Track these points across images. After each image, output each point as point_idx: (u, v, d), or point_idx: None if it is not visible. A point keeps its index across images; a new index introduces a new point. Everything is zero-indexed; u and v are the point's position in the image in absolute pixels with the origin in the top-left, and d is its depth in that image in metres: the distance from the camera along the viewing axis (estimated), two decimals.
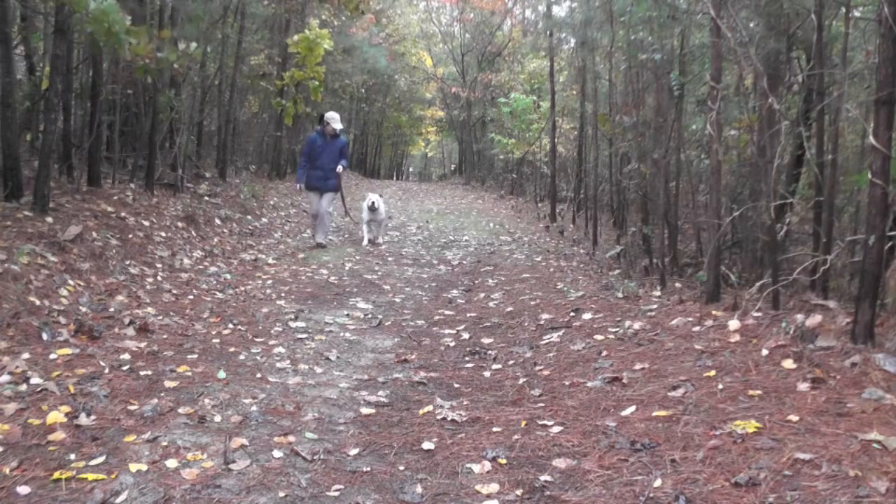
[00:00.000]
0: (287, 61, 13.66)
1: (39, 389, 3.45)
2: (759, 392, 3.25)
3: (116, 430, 3.15)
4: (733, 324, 4.13)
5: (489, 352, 4.72)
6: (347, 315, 5.76)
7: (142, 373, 3.92)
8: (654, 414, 3.23)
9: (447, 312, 6.01)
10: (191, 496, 2.60)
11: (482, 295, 6.75)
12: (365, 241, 9.65)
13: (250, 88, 14.11)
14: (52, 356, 3.94)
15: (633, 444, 2.94)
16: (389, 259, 8.90)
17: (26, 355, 3.85)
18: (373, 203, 9.44)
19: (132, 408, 3.41)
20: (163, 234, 7.32)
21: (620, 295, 5.81)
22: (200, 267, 7.03)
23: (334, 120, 9.11)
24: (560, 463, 2.88)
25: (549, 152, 15.23)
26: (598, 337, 4.64)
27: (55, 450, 2.90)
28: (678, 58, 7.54)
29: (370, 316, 5.79)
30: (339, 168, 9.11)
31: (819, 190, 5.05)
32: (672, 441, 2.93)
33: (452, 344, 4.99)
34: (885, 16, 3.41)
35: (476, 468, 2.88)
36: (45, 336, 4.20)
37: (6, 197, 6.00)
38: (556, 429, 3.23)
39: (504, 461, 2.93)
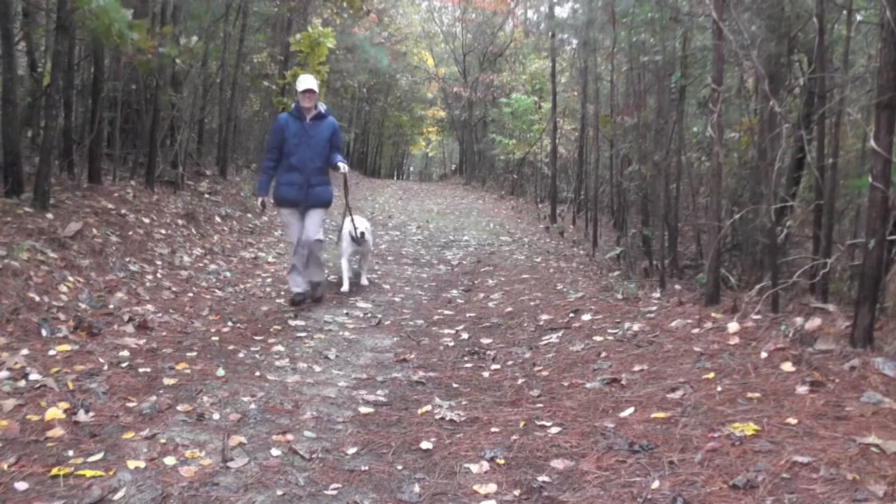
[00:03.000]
0: (289, 60, 13.66)
1: (38, 385, 3.45)
2: (757, 395, 3.25)
3: (115, 426, 3.16)
4: (732, 326, 4.13)
5: (488, 352, 4.72)
6: (347, 314, 5.76)
7: (141, 370, 3.92)
8: (653, 416, 3.23)
9: (446, 312, 6.01)
10: (189, 494, 2.60)
11: (482, 295, 6.75)
12: (345, 285, 6.69)
13: (252, 87, 14.11)
14: (52, 352, 3.94)
15: (631, 446, 2.94)
16: (389, 258, 8.90)
17: (25, 351, 3.85)
18: (361, 234, 6.63)
19: (131, 405, 3.42)
20: (163, 231, 7.32)
21: (620, 296, 5.81)
22: (200, 265, 7.03)
23: (308, 82, 5.70)
24: (558, 464, 2.88)
25: (549, 153, 15.22)
26: (598, 338, 4.64)
27: (53, 446, 2.91)
28: (680, 60, 7.55)
29: (369, 315, 5.79)
30: (342, 166, 5.75)
31: (819, 193, 5.04)
32: (670, 443, 2.93)
33: (451, 344, 4.99)
34: (887, 19, 3.41)
35: (474, 468, 2.88)
36: (44, 332, 4.20)
37: (7, 193, 6.00)
38: (555, 430, 3.24)
39: (502, 461, 2.93)
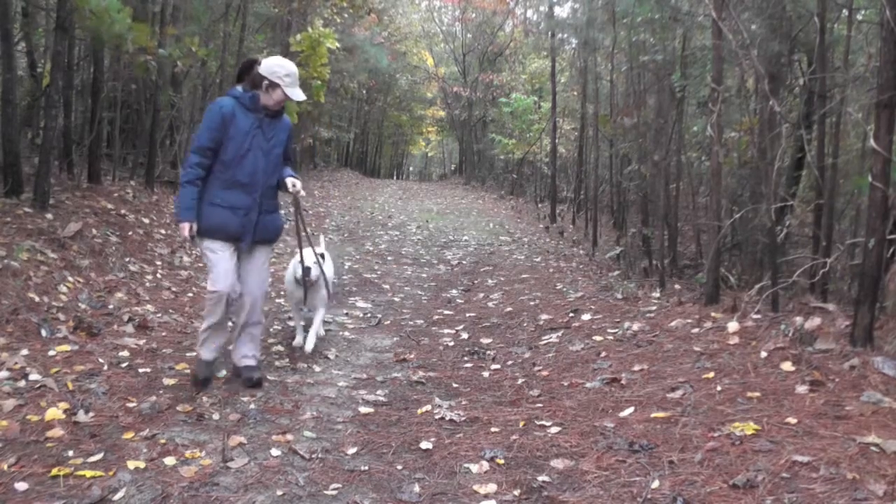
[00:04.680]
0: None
1: (38, 386, 3.45)
2: (757, 394, 3.25)
3: (115, 427, 3.16)
4: (732, 326, 4.13)
5: (488, 352, 4.72)
6: (346, 314, 5.76)
7: (140, 370, 3.92)
8: (653, 415, 3.23)
9: (446, 312, 6.01)
10: (189, 494, 2.60)
11: (481, 295, 6.75)
12: (298, 338, 4.77)
13: None
14: (51, 353, 3.94)
15: (631, 446, 2.94)
16: (389, 258, 8.90)
17: (25, 352, 3.84)
18: (307, 269, 4.42)
19: (131, 405, 3.42)
20: (163, 231, 7.32)
21: (620, 296, 5.81)
22: (200, 265, 7.02)
23: (292, 79, 3.83)
24: (558, 463, 2.88)
25: (549, 153, 15.23)
26: (597, 338, 4.63)
27: (53, 446, 2.90)
28: (680, 59, 7.55)
29: (369, 315, 5.79)
30: (294, 184, 4.00)
31: (819, 193, 5.05)
32: (670, 442, 2.93)
33: (451, 344, 4.99)
34: (887, 19, 3.41)
35: (474, 468, 2.88)
36: (44, 332, 4.20)
37: (6, 193, 6.00)
38: (555, 429, 3.23)
39: (502, 461, 2.93)
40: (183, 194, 3.70)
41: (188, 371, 3.97)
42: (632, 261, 8.35)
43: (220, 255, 3.72)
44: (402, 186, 23.14)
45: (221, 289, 3.68)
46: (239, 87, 3.83)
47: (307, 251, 4.41)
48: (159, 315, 5.09)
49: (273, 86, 3.77)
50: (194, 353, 3.94)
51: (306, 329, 4.75)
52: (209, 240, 3.73)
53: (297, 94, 3.84)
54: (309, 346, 4.55)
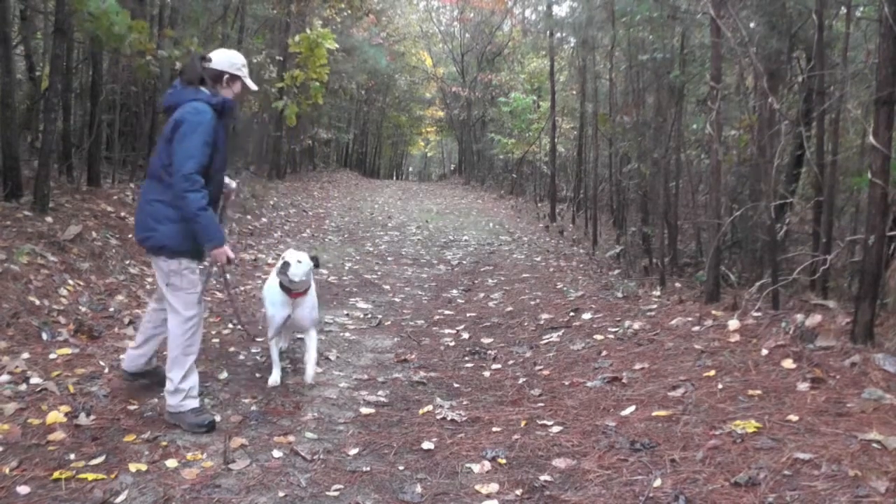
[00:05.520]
0: (287, 61, 13.65)
1: (39, 389, 3.46)
2: (758, 392, 3.25)
3: (116, 429, 3.16)
4: (733, 324, 4.13)
5: (489, 351, 4.72)
6: (347, 315, 5.76)
7: None
8: (654, 414, 3.23)
9: (447, 312, 6.01)
10: (190, 496, 2.61)
11: (482, 295, 6.75)
12: (274, 375, 3.95)
13: None
14: (52, 356, 3.94)
15: (632, 444, 2.95)
16: (389, 259, 8.90)
17: (26, 355, 3.85)
18: (286, 265, 3.80)
19: (132, 407, 3.42)
20: None
21: (620, 295, 5.81)
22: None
23: (247, 68, 3.63)
24: (560, 463, 2.88)
25: (548, 152, 15.22)
26: (598, 337, 4.63)
27: (55, 449, 2.91)
28: (679, 57, 7.54)
29: (370, 316, 5.79)
30: (228, 184, 3.81)
31: (819, 190, 5.05)
32: (672, 441, 2.93)
33: (452, 344, 4.99)
34: (886, 15, 3.41)
35: (476, 468, 2.88)
36: (44, 336, 4.20)
37: (6, 197, 5.99)
38: (556, 429, 3.24)
39: (504, 461, 2.93)
40: (209, 219, 3.32)
41: None
42: (632, 259, 8.35)
43: (197, 275, 3.53)
44: (402, 187, 23.15)
45: (201, 308, 3.53)
46: (204, 90, 3.40)
47: (292, 255, 3.86)
48: None
49: (234, 79, 3.51)
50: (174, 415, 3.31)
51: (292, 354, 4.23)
52: (189, 260, 3.50)
53: (253, 84, 3.63)
54: (310, 377, 3.93)
